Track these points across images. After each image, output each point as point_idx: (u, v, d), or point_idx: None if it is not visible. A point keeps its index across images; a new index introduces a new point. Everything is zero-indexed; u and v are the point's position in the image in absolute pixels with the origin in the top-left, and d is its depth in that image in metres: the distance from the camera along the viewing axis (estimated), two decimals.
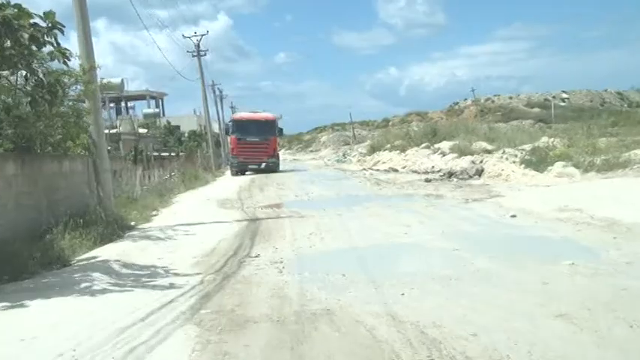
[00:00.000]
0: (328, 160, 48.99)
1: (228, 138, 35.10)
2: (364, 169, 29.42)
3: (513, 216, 9.77)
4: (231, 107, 63.16)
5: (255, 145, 30.98)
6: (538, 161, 17.40)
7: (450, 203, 12.53)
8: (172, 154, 35.60)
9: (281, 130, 34.21)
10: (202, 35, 41.55)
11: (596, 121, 41.33)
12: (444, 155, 25.46)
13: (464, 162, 22.10)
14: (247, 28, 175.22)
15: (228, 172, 33.75)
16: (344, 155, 47.28)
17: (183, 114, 58.65)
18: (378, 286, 6.05)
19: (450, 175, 19.33)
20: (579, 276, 5.71)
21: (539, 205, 10.45)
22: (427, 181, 18.62)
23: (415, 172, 23.38)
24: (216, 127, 51.68)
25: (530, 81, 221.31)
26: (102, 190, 10.70)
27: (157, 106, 56.83)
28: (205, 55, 42.02)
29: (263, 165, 30.78)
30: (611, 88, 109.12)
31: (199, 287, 6.43)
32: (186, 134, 48.98)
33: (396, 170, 25.74)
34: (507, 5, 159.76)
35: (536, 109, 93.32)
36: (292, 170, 33.05)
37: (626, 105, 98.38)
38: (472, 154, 23.03)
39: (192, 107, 60.21)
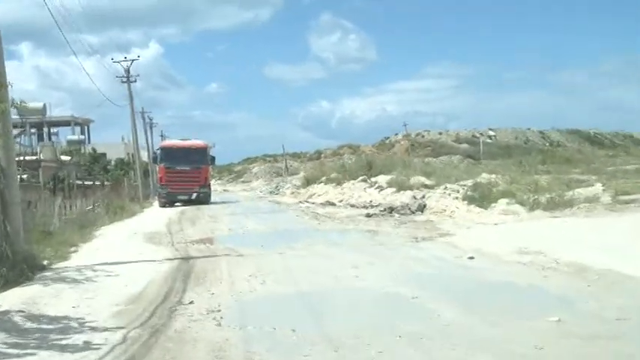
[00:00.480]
0: (261, 191, 47.87)
1: (157, 167, 33.41)
2: (300, 202, 28.49)
3: (471, 258, 9.04)
4: (161, 136, 61.03)
5: (186, 175, 29.36)
6: (481, 198, 16.96)
7: (398, 241, 11.74)
8: (97, 182, 33.68)
9: (213, 158, 32.64)
10: (133, 60, 39.83)
11: (526, 158, 42.51)
12: (381, 189, 24.87)
13: (404, 197, 21.52)
14: (179, 57, 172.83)
15: (156, 203, 31.98)
16: (277, 187, 46.21)
17: (111, 142, 56.31)
18: (338, 346, 5.11)
19: (391, 210, 18.64)
20: (575, 339, 4.90)
21: (495, 246, 9.77)
22: (368, 216, 17.87)
23: (353, 206, 22.64)
24: (145, 156, 49.74)
25: (457, 118, 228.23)
26: (10, 224, 9.31)
27: (83, 133, 54.40)
28: (135, 81, 40.32)
29: (194, 196, 29.09)
30: (534, 127, 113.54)
31: (121, 348, 5.31)
32: (112, 162, 46.93)
33: (333, 204, 24.94)
34: (436, 44, 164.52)
35: (465, 145, 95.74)
36: (224, 202, 31.64)
37: (547, 144, 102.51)
38: (411, 189, 22.52)
39: (120, 135, 57.81)
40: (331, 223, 17.04)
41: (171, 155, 29.98)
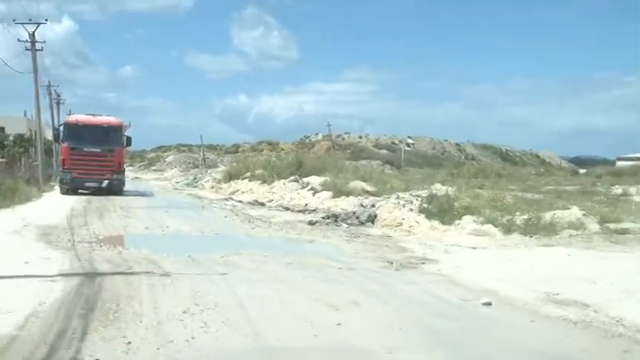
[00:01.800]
0: (177, 182, 44.32)
1: (60, 146, 28.94)
2: (225, 198, 25.59)
3: (487, 304, 6.65)
4: (70, 114, 55.89)
5: (95, 158, 24.83)
6: (441, 212, 14.83)
7: (368, 266, 9.24)
8: None
9: (129, 139, 26.94)
10: (39, 24, 34.56)
11: (459, 170, 41.57)
12: (315, 192, 22.55)
13: (345, 203, 19.28)
14: (94, 36, 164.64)
15: (59, 188, 27.78)
16: (195, 179, 42.82)
17: (12, 115, 50.73)
18: None
19: (336, 218, 16.22)
20: None
21: (511, 287, 7.43)
22: (311, 223, 15.30)
23: (287, 209, 20.06)
24: (50, 134, 44.89)
25: (373, 122, 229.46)
26: None
27: None
28: (42, 49, 35.30)
29: (104, 183, 24.76)
30: (451, 139, 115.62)
31: None
32: (11, 138, 42.05)
33: (262, 204, 22.25)
34: (356, 48, 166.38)
35: (384, 151, 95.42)
36: (137, 192, 28.00)
37: (463, 156, 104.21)
38: (351, 195, 20.36)
39: (22, 110, 51.84)
40: (269, 229, 14.39)
41: (77, 133, 25.19)
